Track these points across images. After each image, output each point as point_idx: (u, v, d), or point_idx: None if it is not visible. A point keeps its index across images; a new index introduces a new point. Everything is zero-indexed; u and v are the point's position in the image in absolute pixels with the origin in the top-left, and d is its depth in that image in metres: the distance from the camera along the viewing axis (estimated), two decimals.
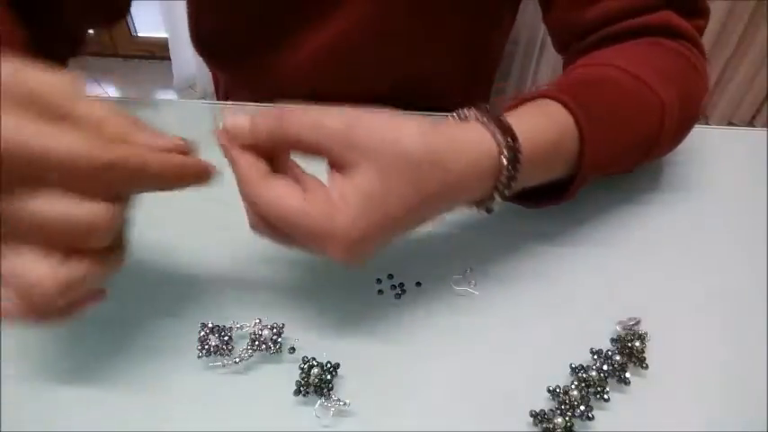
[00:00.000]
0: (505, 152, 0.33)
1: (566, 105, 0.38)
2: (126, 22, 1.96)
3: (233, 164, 0.32)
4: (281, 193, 0.31)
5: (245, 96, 0.62)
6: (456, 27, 0.57)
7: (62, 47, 0.54)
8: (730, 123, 1.80)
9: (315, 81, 0.59)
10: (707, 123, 1.77)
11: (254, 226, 0.34)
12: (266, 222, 0.32)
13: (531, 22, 1.56)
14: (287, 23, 0.57)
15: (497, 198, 0.35)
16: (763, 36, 1.57)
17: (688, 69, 0.48)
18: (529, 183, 0.37)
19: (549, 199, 0.41)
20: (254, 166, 0.32)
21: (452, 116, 0.36)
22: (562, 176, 0.40)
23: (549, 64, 1.64)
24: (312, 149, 0.32)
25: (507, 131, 0.34)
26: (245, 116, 0.32)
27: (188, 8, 0.62)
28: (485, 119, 0.34)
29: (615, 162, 0.43)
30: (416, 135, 0.31)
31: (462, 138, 0.33)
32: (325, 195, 0.30)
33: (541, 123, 0.37)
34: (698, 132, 0.49)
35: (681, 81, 0.46)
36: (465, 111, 0.36)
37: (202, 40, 0.64)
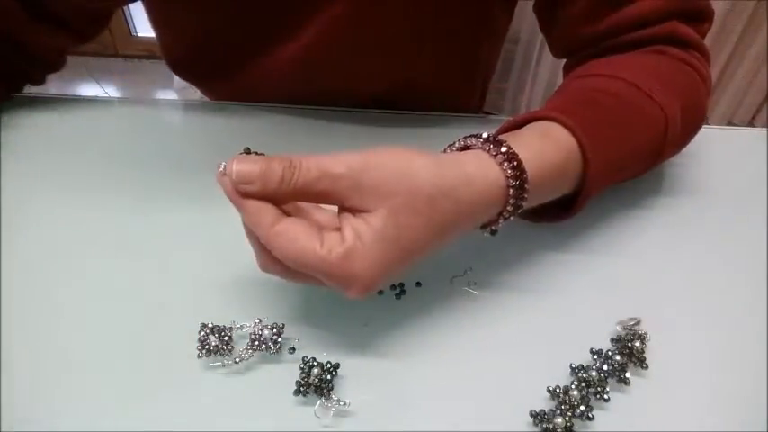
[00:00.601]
0: (512, 182, 0.34)
1: (569, 128, 0.38)
2: (126, 22, 1.96)
3: (240, 209, 0.32)
4: (296, 238, 0.30)
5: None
6: (443, 33, 0.56)
7: (36, 71, 0.55)
8: (730, 123, 1.80)
9: (293, 88, 0.58)
10: (707, 123, 1.77)
11: (265, 267, 0.34)
12: (281, 265, 0.32)
13: (530, 22, 1.56)
14: (260, 37, 0.55)
15: (502, 222, 0.36)
16: (763, 36, 1.57)
17: (693, 78, 0.47)
18: (533, 204, 0.38)
19: (554, 215, 0.41)
20: (263, 209, 0.31)
21: (458, 142, 0.37)
22: (566, 195, 0.40)
23: (548, 64, 1.64)
24: (321, 199, 0.32)
25: (513, 159, 0.34)
26: (252, 164, 0.31)
27: (156, 35, 0.60)
28: (489, 147, 0.34)
29: (619, 176, 0.43)
30: (427, 171, 0.32)
31: (471, 170, 0.34)
32: (341, 238, 0.30)
33: (546, 148, 0.37)
34: (698, 132, 0.49)
35: (685, 91, 0.46)
36: (470, 139, 0.36)
37: (176, 65, 0.63)
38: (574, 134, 0.38)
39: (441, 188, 0.32)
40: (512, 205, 0.35)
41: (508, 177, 0.34)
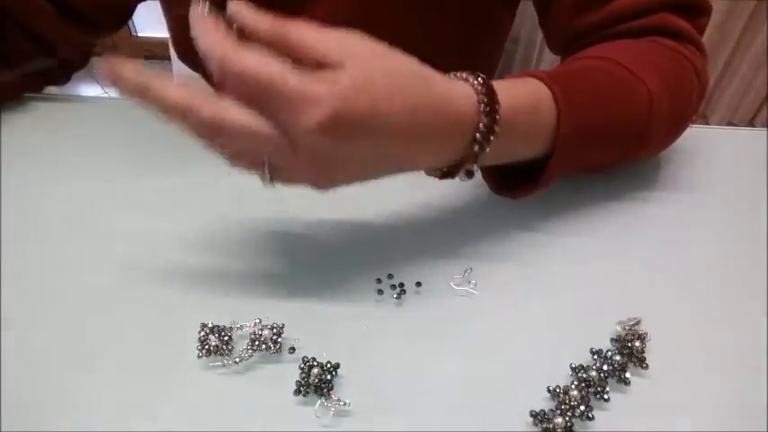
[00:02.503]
0: (483, 99, 0.34)
1: (543, 81, 0.39)
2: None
3: (203, 32, 0.30)
4: (261, 58, 0.29)
5: None
6: (444, 33, 0.55)
7: (63, 71, 0.55)
8: (730, 123, 1.80)
9: None
10: (707, 123, 1.77)
11: (214, 115, 0.30)
12: (232, 96, 0.30)
13: (531, 22, 1.56)
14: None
15: (477, 156, 0.35)
16: (763, 36, 1.57)
17: (683, 66, 0.48)
18: (508, 150, 0.38)
19: (528, 184, 0.41)
20: (229, 36, 0.30)
21: None
22: (540, 153, 0.40)
23: (549, 64, 1.64)
24: (302, 48, 0.30)
25: (486, 85, 0.35)
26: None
27: (169, 28, 0.61)
28: (465, 75, 0.36)
29: (596, 146, 0.42)
30: (409, 59, 0.33)
31: (447, 79, 0.35)
32: (302, 71, 0.29)
33: (519, 88, 0.38)
34: (698, 132, 0.49)
35: (673, 76, 0.46)
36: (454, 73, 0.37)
37: (184, 54, 0.63)
38: (547, 85, 0.39)
39: (422, 72, 0.33)
40: (484, 126, 0.34)
41: (479, 94, 0.34)
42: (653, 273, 0.42)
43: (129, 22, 1.96)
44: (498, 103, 0.35)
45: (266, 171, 0.32)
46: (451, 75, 0.36)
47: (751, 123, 1.80)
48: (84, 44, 0.57)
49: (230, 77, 0.29)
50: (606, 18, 0.49)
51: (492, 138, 0.35)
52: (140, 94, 0.30)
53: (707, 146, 0.53)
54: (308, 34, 0.31)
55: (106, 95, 1.81)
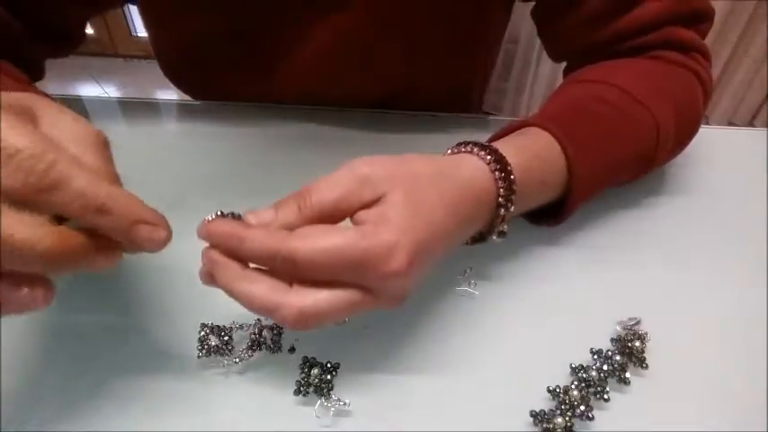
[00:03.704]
0: (493, 166, 0.35)
1: (551, 132, 0.39)
2: (126, 22, 1.96)
3: (248, 241, 0.29)
4: (317, 234, 0.28)
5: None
6: (441, 35, 0.55)
7: (60, 47, 0.53)
8: (730, 123, 1.80)
9: (292, 99, 0.58)
10: (707, 123, 1.77)
11: (298, 312, 0.28)
12: (305, 283, 0.29)
13: (530, 22, 1.56)
14: (262, 47, 0.54)
15: (504, 218, 0.36)
16: (763, 36, 1.57)
17: (689, 81, 0.48)
18: (526, 205, 0.39)
19: (548, 221, 0.42)
20: (273, 232, 0.29)
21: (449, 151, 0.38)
22: (558, 196, 0.41)
23: (548, 64, 1.64)
24: (337, 211, 0.30)
25: (493, 152, 0.35)
26: (264, 210, 0.31)
27: (153, 46, 0.60)
28: (470, 147, 0.36)
29: (607, 182, 0.44)
30: (418, 158, 0.33)
31: (455, 158, 0.36)
32: (360, 227, 0.29)
33: (524, 143, 0.39)
34: (698, 132, 0.49)
35: (679, 95, 0.46)
36: (455, 147, 0.37)
37: (174, 76, 0.62)
38: (556, 138, 0.39)
39: (437, 168, 0.33)
40: (504, 191, 0.35)
41: (489, 163, 0.35)
42: (653, 273, 0.42)
43: (130, 23, 1.96)
44: (509, 164, 0.35)
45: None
46: (452, 150, 0.37)
47: (751, 123, 1.80)
48: (80, 16, 0.54)
49: (301, 266, 0.28)
50: (612, 36, 0.49)
51: (513, 198, 0.36)
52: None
53: (707, 146, 0.53)
54: (331, 194, 0.30)
55: (106, 95, 1.82)
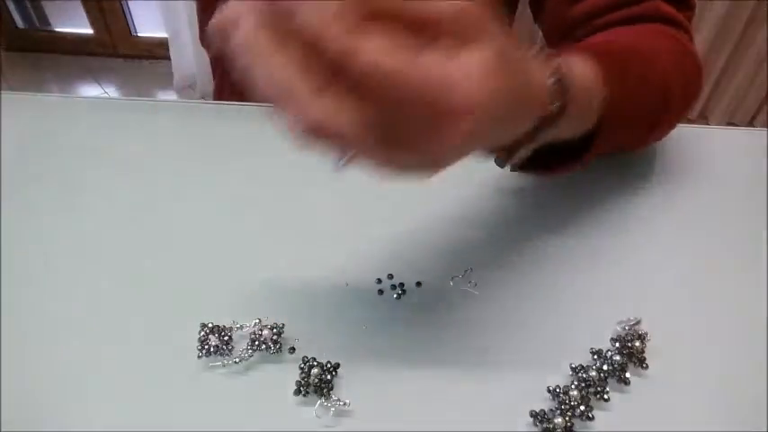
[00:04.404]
0: (552, 62, 0.33)
1: (593, 62, 0.38)
2: (126, 22, 1.95)
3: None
4: (388, 48, 0.22)
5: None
6: None
7: None
8: (730, 123, 1.79)
9: None
10: (707, 123, 1.77)
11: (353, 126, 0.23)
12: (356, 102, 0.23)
13: (530, 22, 1.56)
14: None
15: (555, 119, 0.34)
16: (763, 36, 1.57)
17: (679, 49, 0.48)
18: (574, 120, 0.36)
19: (569, 163, 0.40)
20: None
21: None
22: (587, 132, 0.39)
23: None
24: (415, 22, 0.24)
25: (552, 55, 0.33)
26: None
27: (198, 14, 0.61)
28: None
29: (632, 122, 0.43)
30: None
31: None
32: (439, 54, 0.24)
33: (575, 60, 0.37)
34: (698, 132, 0.49)
35: (675, 54, 0.47)
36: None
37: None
38: (604, 73, 0.38)
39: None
40: (557, 77, 0.32)
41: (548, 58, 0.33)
42: (653, 273, 0.42)
43: (130, 23, 1.96)
44: (567, 69, 0.33)
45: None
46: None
47: (751, 123, 1.80)
48: None
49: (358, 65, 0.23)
50: (593, 8, 0.50)
51: (567, 97, 0.33)
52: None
53: (707, 146, 0.53)
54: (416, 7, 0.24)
55: (106, 95, 1.82)
